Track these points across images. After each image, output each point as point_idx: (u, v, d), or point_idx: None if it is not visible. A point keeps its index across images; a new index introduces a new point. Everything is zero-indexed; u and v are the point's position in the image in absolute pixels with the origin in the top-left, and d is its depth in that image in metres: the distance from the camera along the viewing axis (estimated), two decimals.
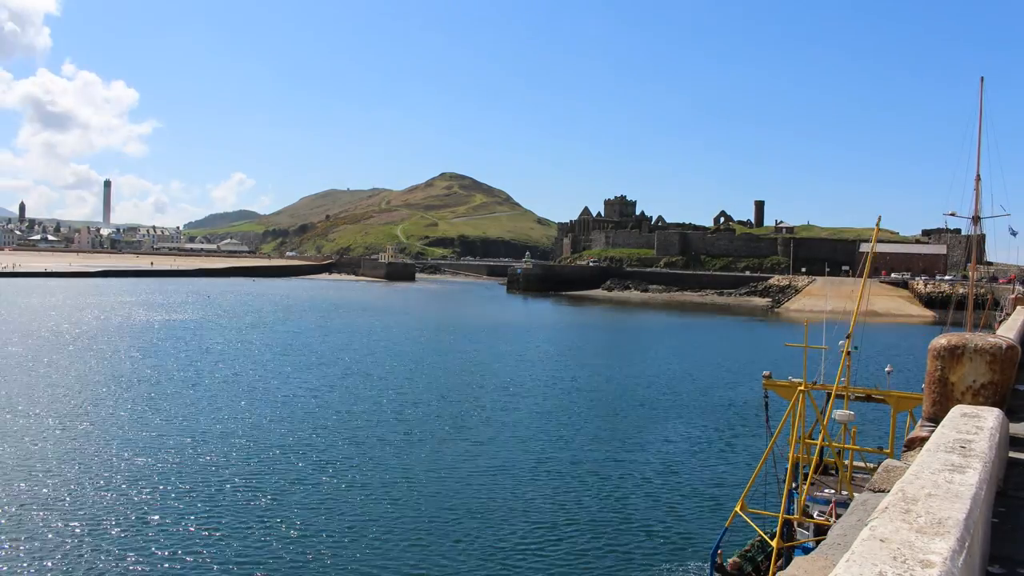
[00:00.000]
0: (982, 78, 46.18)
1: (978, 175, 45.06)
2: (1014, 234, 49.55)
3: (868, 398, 18.79)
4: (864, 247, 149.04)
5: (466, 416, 31.31)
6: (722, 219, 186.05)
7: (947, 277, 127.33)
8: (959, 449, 4.06)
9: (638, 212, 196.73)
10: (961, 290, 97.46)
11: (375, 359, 47.29)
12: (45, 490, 20.52)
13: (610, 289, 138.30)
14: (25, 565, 15.85)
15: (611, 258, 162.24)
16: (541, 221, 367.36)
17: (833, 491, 17.16)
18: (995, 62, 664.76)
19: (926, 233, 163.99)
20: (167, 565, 16.28)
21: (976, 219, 46.40)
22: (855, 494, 5.35)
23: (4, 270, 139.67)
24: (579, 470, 24.31)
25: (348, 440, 26.85)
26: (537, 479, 23.14)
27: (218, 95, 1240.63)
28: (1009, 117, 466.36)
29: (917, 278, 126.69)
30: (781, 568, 14.47)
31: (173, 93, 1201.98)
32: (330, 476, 22.58)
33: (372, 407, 32.55)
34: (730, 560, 16.45)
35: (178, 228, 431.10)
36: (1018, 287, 67.29)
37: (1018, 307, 24.01)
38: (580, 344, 61.85)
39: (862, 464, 19.38)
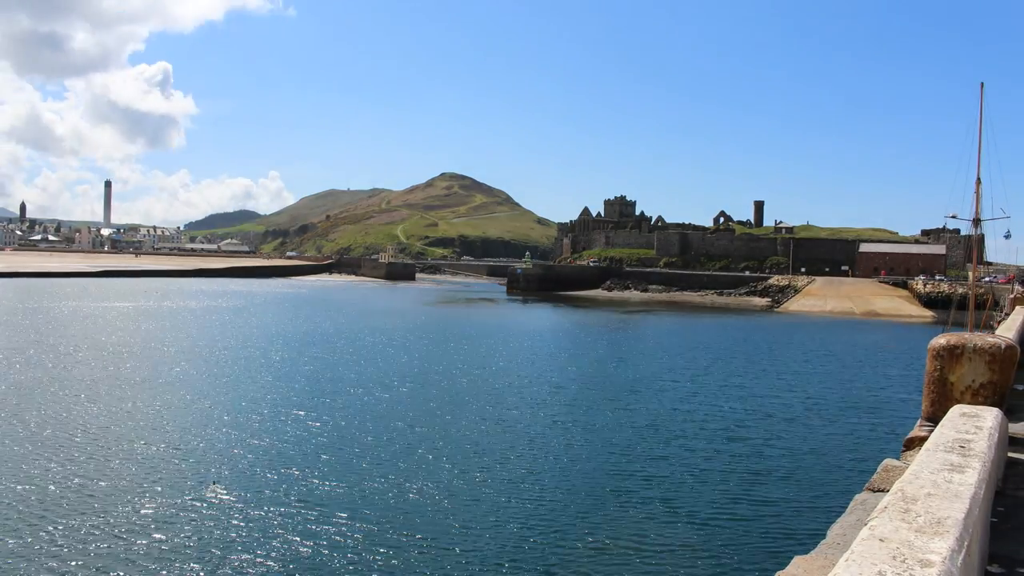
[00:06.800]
0: (982, 84, 46.48)
1: (978, 178, 45.47)
2: (1008, 236, 50.55)
3: None
4: (864, 247, 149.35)
5: (499, 416, 31.32)
6: (722, 219, 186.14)
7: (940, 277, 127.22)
8: (958, 449, 4.08)
9: (638, 212, 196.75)
10: (961, 290, 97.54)
11: (399, 360, 47.27)
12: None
13: (610, 289, 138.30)
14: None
15: (611, 258, 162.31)
16: (541, 221, 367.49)
17: None
18: (996, 65, 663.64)
19: (925, 233, 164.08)
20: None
21: (976, 221, 46.83)
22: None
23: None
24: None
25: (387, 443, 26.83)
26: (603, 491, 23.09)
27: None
28: (1009, 120, 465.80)
29: (917, 278, 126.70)
30: None
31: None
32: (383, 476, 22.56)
33: (417, 412, 32.54)
34: None
35: (178, 228, 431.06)
36: (1018, 287, 67.26)
37: (1017, 307, 24.05)
38: (601, 345, 61.88)
39: None
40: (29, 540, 16.98)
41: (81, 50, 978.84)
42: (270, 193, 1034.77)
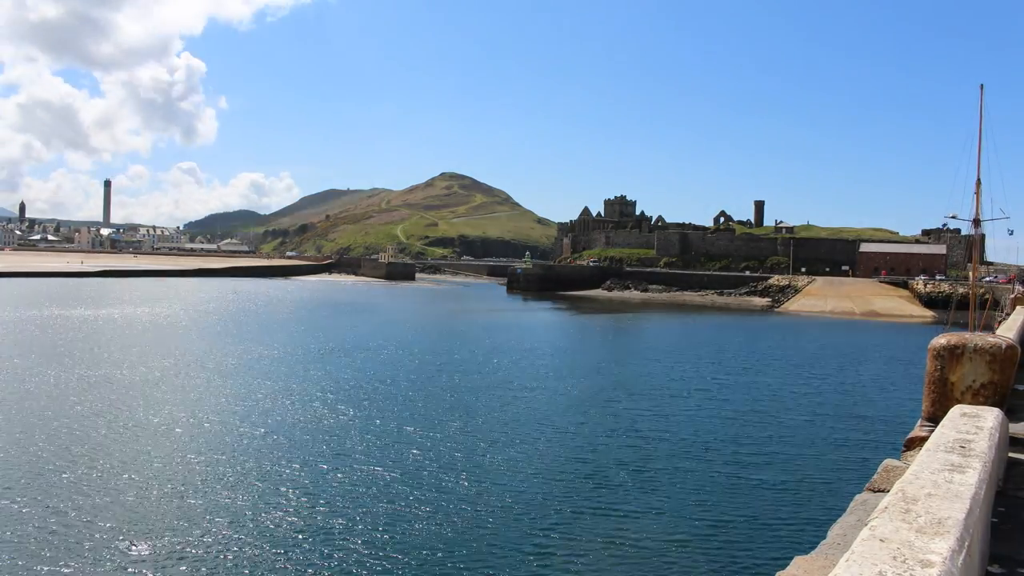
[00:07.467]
0: (982, 86, 46.63)
1: (978, 179, 45.70)
2: (1011, 233, 50.95)
3: None
4: (864, 247, 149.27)
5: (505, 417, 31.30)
6: (722, 219, 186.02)
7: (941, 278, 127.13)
8: (959, 449, 4.06)
9: (638, 212, 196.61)
10: (961, 290, 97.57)
11: (395, 361, 47.25)
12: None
13: (610, 289, 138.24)
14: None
15: (611, 258, 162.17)
16: (541, 221, 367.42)
17: None
18: (996, 66, 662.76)
19: (926, 233, 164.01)
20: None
21: (976, 222, 47.09)
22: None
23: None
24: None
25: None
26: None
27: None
28: (1009, 120, 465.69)
29: (917, 278, 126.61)
30: None
31: None
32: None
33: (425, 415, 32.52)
34: None
35: (178, 228, 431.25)
36: (1018, 287, 67.27)
37: (1018, 307, 24.01)
38: (601, 345, 61.85)
39: None
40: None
41: (119, 41, 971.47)
42: (279, 192, 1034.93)
